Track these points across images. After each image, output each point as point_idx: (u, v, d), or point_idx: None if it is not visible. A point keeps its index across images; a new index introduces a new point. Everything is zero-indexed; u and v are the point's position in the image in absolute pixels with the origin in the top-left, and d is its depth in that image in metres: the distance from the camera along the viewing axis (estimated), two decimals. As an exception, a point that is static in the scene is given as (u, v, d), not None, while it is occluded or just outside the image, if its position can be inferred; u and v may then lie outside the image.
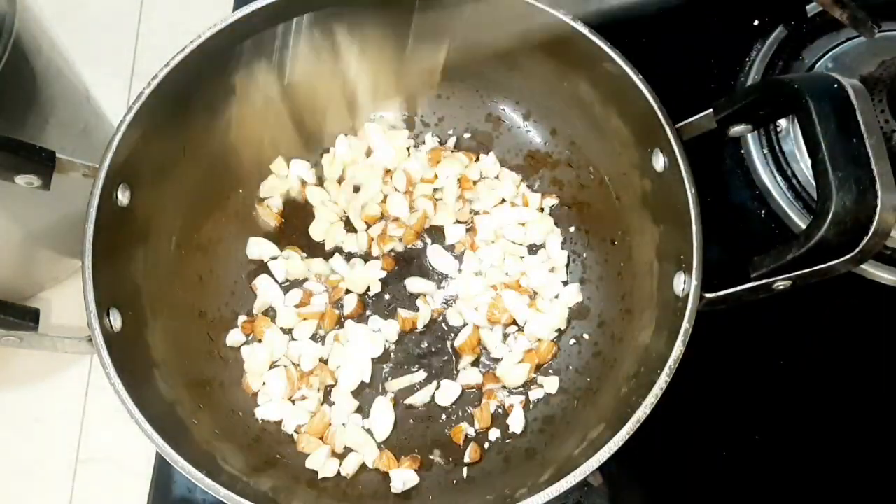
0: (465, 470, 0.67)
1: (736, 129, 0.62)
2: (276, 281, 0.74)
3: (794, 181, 0.78)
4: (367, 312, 0.74)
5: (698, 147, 0.62)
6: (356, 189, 0.78)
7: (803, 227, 0.75)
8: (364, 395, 0.71)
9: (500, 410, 0.70)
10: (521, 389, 0.71)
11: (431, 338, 0.73)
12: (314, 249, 0.76)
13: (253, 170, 0.77)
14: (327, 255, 0.76)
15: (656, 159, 0.65)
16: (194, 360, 0.69)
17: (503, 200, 0.77)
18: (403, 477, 0.66)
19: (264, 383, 0.70)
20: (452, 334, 0.73)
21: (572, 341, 0.73)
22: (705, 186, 0.60)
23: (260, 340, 0.72)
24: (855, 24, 0.76)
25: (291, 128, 0.77)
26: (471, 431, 0.69)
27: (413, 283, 0.74)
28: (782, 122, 0.80)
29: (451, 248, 0.76)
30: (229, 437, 0.66)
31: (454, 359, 0.72)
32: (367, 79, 0.77)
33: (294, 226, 0.77)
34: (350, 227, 0.77)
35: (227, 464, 0.61)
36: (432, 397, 0.70)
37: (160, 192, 0.68)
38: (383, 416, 0.69)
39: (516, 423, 0.69)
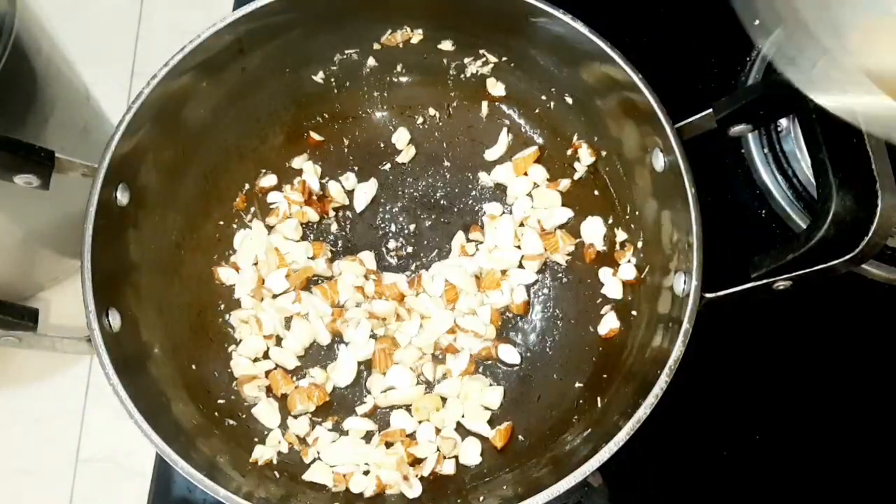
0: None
1: (736, 129, 0.62)
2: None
3: (794, 181, 0.78)
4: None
5: (698, 147, 0.62)
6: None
7: (804, 226, 0.75)
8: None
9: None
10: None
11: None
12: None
13: (253, 170, 0.77)
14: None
15: (656, 159, 0.65)
16: (194, 361, 0.69)
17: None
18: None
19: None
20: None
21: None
22: (705, 186, 0.60)
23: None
24: (855, 23, 0.76)
25: None
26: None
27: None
28: (783, 122, 0.79)
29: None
30: (229, 437, 0.66)
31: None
32: None
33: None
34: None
35: (227, 464, 0.62)
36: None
37: (160, 192, 0.68)
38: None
39: None
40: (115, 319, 0.60)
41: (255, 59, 0.71)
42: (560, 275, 0.75)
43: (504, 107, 0.79)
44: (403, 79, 0.79)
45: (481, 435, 0.69)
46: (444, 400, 0.70)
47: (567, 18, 0.65)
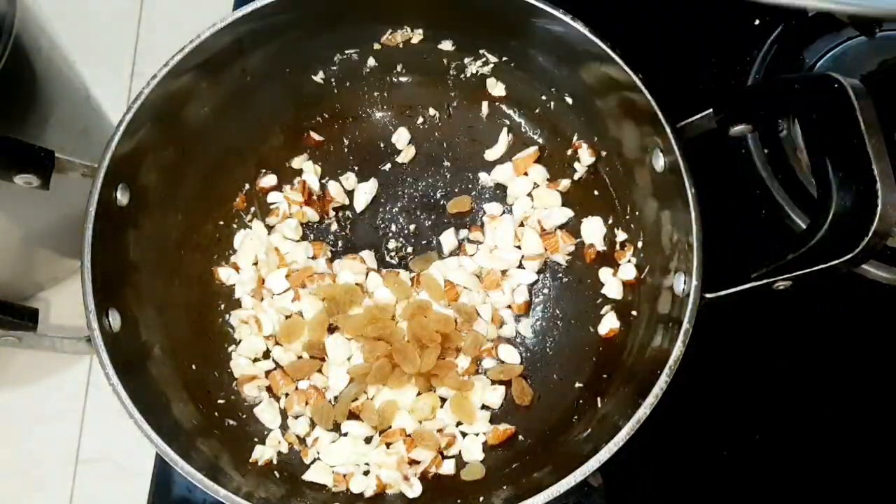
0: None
1: (736, 129, 0.62)
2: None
3: (794, 181, 0.78)
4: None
5: (698, 147, 0.61)
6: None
7: (804, 226, 0.75)
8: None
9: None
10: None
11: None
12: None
13: (253, 170, 0.77)
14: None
15: (656, 159, 0.65)
16: (194, 361, 0.69)
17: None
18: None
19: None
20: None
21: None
22: (705, 186, 0.60)
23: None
24: (855, 23, 0.76)
25: None
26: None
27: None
28: (783, 122, 0.79)
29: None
30: (229, 437, 0.66)
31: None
32: None
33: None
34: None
35: (227, 464, 0.62)
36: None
37: (160, 191, 0.68)
38: None
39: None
40: (115, 319, 0.60)
41: (255, 59, 0.71)
42: (560, 275, 0.75)
43: (504, 107, 0.79)
44: (403, 79, 0.79)
45: (481, 434, 0.69)
46: (443, 400, 0.70)
47: (567, 18, 0.65)
